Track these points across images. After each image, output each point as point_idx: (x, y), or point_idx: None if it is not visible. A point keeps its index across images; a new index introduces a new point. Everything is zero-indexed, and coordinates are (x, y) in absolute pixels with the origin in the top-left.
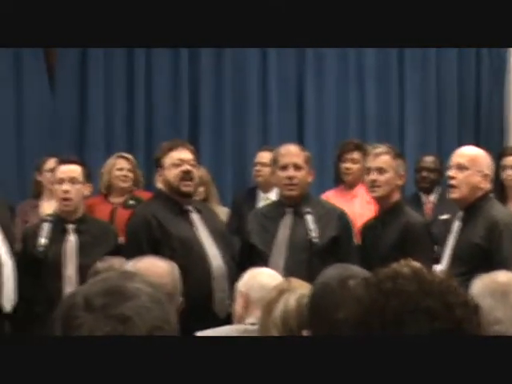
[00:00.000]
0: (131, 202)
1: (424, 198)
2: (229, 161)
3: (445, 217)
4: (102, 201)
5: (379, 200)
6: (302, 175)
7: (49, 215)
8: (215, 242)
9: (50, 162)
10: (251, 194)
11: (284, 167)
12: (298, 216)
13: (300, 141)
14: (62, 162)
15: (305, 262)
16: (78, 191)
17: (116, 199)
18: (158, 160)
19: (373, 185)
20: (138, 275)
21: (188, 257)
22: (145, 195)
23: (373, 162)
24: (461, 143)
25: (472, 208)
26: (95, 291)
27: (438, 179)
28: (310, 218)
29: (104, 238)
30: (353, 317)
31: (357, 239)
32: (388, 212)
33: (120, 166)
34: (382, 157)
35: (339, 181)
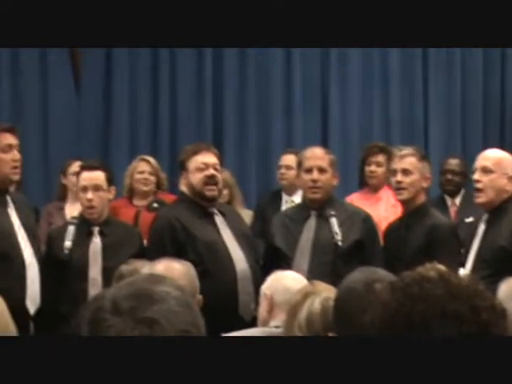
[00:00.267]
0: (155, 205)
1: (449, 200)
2: (253, 163)
3: (470, 219)
4: (126, 203)
5: (405, 202)
6: (327, 178)
7: (74, 218)
8: (239, 245)
9: (75, 166)
10: (275, 197)
11: (308, 170)
12: (323, 219)
13: (324, 143)
14: (85, 168)
15: (328, 264)
16: (101, 199)
17: (139, 202)
18: (182, 163)
19: (398, 187)
20: (166, 278)
21: (213, 260)
22: (169, 198)
23: (398, 164)
24: (485, 145)
25: (497, 210)
26: (123, 294)
27: (462, 182)
28: (334, 221)
29: (128, 240)
30: (379, 321)
31: (382, 242)
32: (413, 214)
33: (141, 169)
34: (407, 158)
35: (364, 184)
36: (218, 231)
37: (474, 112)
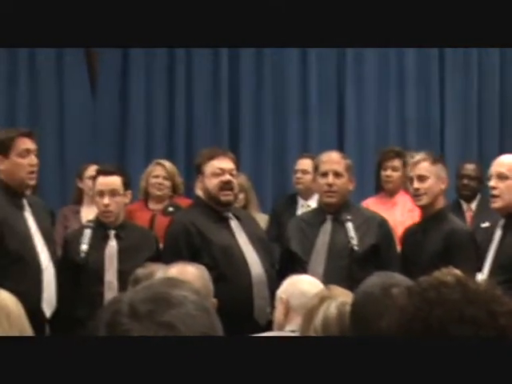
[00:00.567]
0: (170, 209)
1: (464, 205)
2: (269, 167)
3: (486, 225)
4: (142, 207)
5: (424, 207)
6: (342, 183)
7: (90, 221)
8: (255, 249)
9: (91, 169)
10: (291, 201)
11: (324, 174)
12: (338, 223)
13: (340, 143)
14: (102, 172)
15: (344, 269)
16: (118, 203)
17: (155, 206)
18: (198, 167)
19: (416, 193)
20: (183, 282)
21: (228, 264)
22: (184, 202)
23: (413, 171)
24: (502, 146)
25: None
26: (140, 298)
27: (478, 187)
28: (350, 226)
29: (144, 244)
30: (396, 325)
31: (398, 247)
32: (431, 219)
33: (156, 174)
34: (420, 164)
35: (380, 188)
36: (233, 235)
37: (491, 112)
